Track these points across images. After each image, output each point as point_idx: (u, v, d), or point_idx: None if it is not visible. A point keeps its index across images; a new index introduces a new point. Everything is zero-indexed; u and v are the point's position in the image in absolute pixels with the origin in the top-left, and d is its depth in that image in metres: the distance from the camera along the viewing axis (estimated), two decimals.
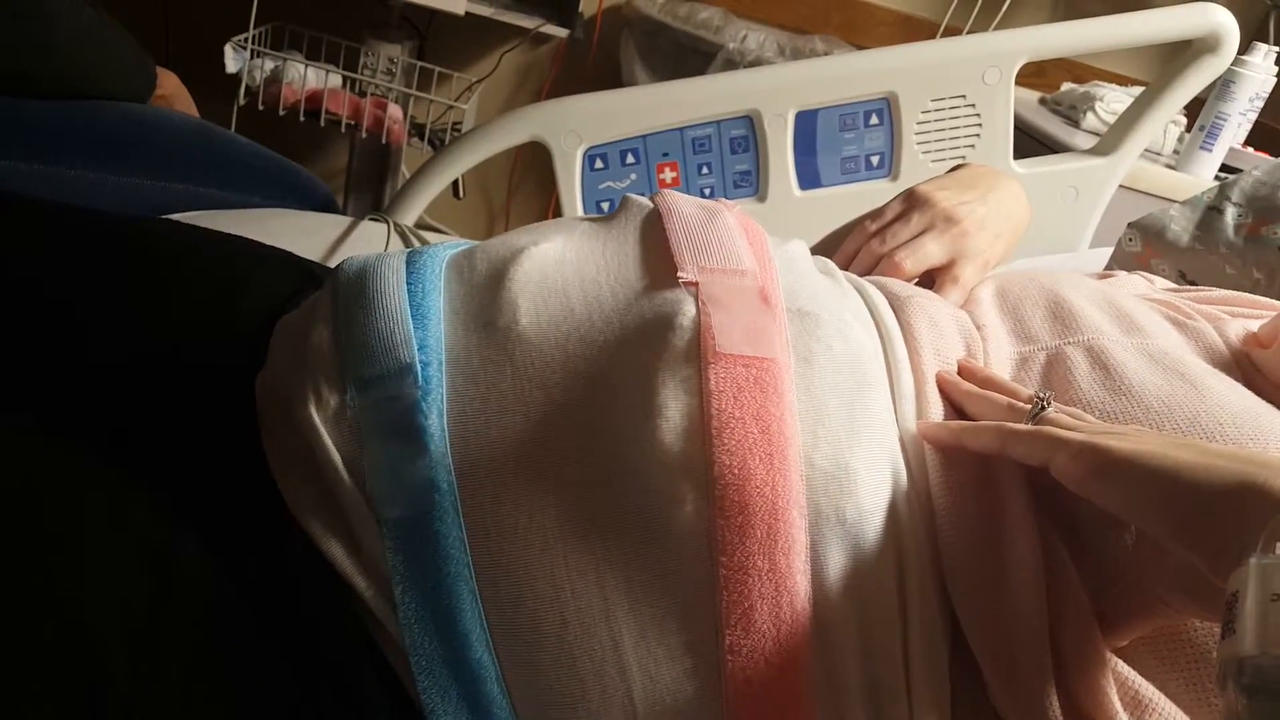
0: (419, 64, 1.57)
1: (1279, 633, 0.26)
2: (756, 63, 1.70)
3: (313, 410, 0.41)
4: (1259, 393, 0.45)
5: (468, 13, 1.49)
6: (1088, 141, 1.25)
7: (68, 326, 0.48)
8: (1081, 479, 0.36)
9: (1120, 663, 0.37)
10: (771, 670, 0.37)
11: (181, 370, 0.47)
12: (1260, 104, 1.43)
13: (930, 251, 0.62)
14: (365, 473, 0.40)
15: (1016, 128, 1.02)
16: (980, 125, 1.00)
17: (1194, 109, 1.34)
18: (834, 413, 0.40)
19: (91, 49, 0.87)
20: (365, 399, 0.41)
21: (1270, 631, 0.26)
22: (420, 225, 0.99)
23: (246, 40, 1.48)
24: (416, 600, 0.38)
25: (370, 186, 1.75)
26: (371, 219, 0.93)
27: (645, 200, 0.51)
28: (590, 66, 1.90)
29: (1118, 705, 0.36)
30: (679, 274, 0.43)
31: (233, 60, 1.47)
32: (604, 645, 0.38)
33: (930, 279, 0.63)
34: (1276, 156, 1.05)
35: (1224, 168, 1.46)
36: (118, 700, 0.35)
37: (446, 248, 0.49)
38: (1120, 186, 1.09)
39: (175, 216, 0.79)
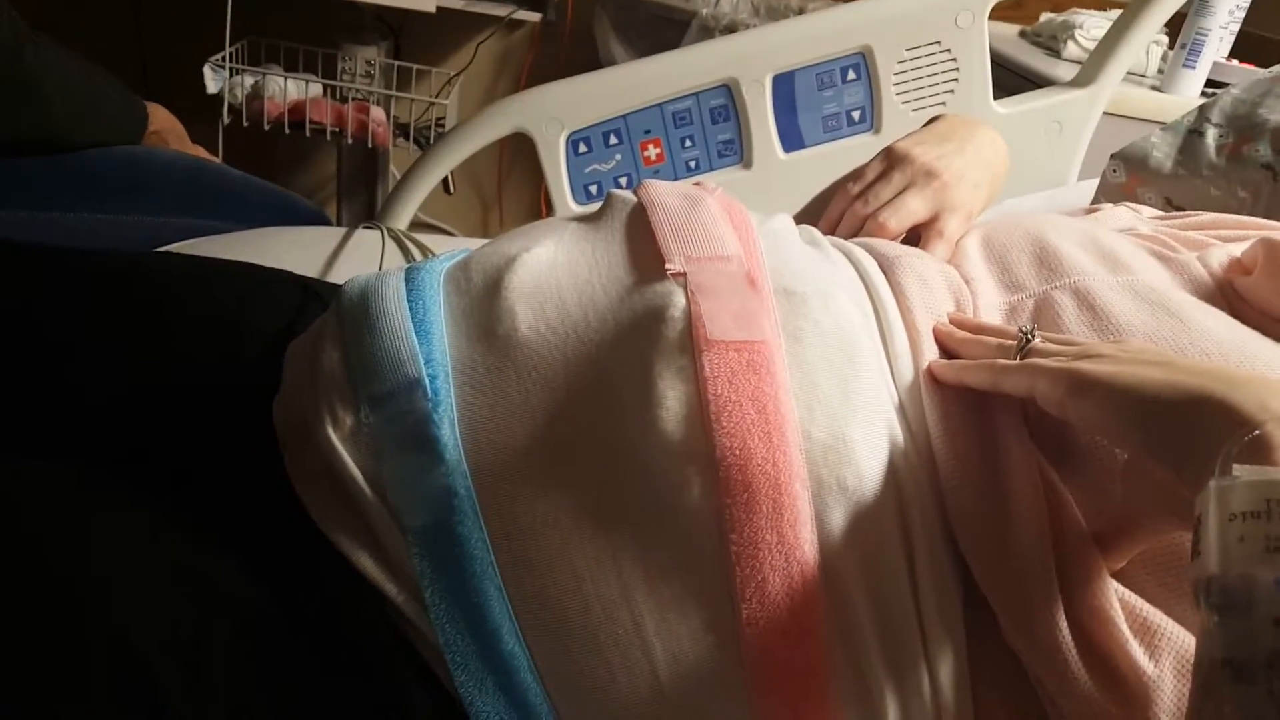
0: (396, 63, 1.57)
1: (1238, 551, 0.27)
2: (732, 26, 1.69)
3: (330, 430, 0.43)
4: (1244, 320, 0.46)
5: (439, 7, 1.49)
6: (1070, 71, 1.23)
7: (74, 366, 0.49)
8: (1060, 401, 0.38)
9: (1128, 591, 0.39)
10: (788, 638, 0.38)
11: (197, 399, 0.49)
12: (1242, 14, 1.41)
13: (913, 208, 0.63)
14: (386, 485, 0.41)
15: (998, 64, 1.01)
16: (958, 70, 1.00)
17: (1175, 26, 1.33)
18: (827, 386, 0.42)
19: (84, 114, 0.88)
20: (379, 416, 0.42)
21: (1230, 550, 0.27)
22: (414, 225, 0.99)
23: (224, 59, 1.48)
24: (446, 600, 0.40)
25: (361, 191, 1.75)
26: (365, 227, 0.93)
27: (629, 194, 0.52)
28: (566, 47, 1.89)
29: (1127, 631, 0.37)
30: (666, 266, 0.45)
31: (213, 81, 1.47)
32: (627, 629, 0.39)
33: (916, 235, 0.64)
34: (1264, 65, 1.04)
35: (1210, 83, 1.44)
36: None
37: (442, 260, 0.50)
38: (1106, 114, 1.08)
39: (172, 245, 0.80)
